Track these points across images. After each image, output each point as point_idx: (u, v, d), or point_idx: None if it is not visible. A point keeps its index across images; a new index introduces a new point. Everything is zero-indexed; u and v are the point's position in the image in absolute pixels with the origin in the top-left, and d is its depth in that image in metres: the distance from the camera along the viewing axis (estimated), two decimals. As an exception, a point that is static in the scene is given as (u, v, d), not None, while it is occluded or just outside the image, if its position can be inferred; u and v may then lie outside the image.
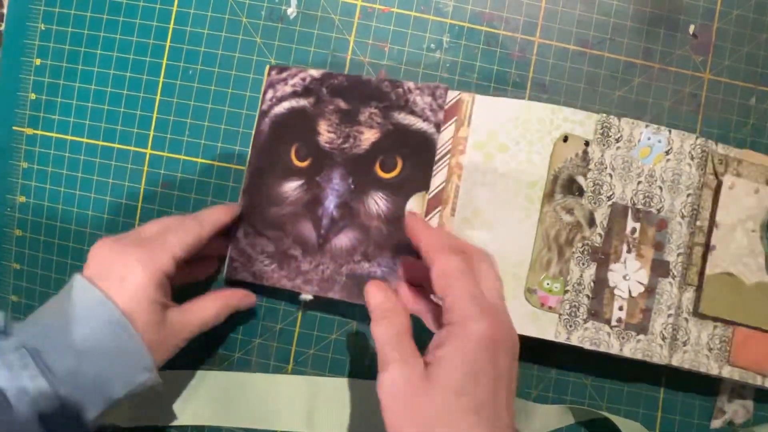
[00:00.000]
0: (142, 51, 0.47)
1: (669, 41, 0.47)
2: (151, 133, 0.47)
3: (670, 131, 0.44)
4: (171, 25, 0.47)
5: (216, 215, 0.41)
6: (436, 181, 0.44)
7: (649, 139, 0.44)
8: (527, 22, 0.47)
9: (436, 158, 0.44)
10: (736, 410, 0.46)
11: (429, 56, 0.47)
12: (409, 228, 0.36)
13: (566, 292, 0.42)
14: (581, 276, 0.43)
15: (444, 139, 0.44)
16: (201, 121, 0.47)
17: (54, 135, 0.48)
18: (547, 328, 0.42)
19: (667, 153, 0.44)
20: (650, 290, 0.43)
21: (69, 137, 0.47)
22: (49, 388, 0.32)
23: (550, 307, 0.42)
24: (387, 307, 0.34)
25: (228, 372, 0.46)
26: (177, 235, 0.38)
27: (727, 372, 0.43)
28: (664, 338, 0.42)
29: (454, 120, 0.44)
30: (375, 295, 0.35)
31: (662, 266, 0.43)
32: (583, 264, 0.43)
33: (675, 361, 0.43)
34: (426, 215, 0.43)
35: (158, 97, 0.47)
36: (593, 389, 0.46)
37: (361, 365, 0.46)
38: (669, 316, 0.43)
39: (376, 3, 0.47)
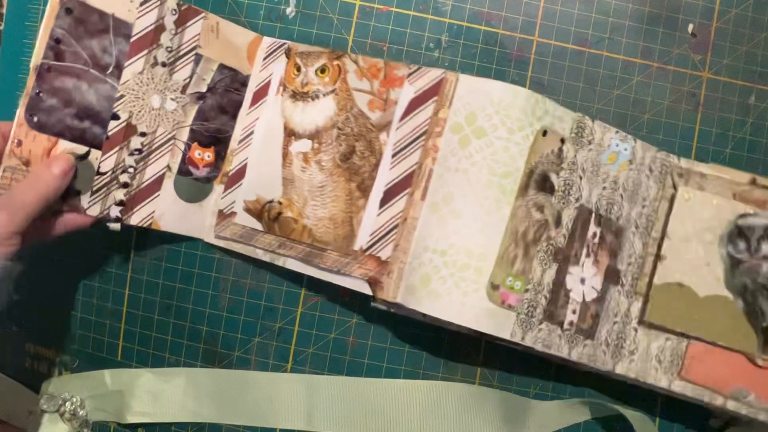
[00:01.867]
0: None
1: (668, 40, 0.47)
2: (151, 132, 0.47)
3: (635, 141, 0.43)
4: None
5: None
6: (408, 162, 0.42)
7: (617, 145, 0.43)
8: (526, 21, 0.47)
9: (412, 139, 0.42)
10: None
11: (428, 55, 0.47)
12: None
13: (527, 291, 0.41)
14: (542, 276, 0.41)
15: (420, 120, 0.42)
16: (200, 121, 0.47)
17: (54, 134, 0.48)
18: (504, 326, 0.40)
19: (631, 162, 0.43)
20: (601, 296, 0.42)
21: (69, 137, 0.48)
22: None
23: (510, 305, 0.40)
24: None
25: (228, 370, 0.46)
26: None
27: (677, 386, 0.42)
28: (608, 345, 0.42)
29: (433, 100, 0.42)
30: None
31: (614, 274, 0.43)
32: (545, 264, 0.41)
33: (619, 369, 0.43)
34: (392, 196, 0.42)
35: (157, 97, 0.47)
36: (592, 389, 0.46)
37: (360, 364, 0.46)
38: (615, 323, 0.43)
39: (375, 2, 0.47)
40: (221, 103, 0.45)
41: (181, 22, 0.43)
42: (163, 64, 0.43)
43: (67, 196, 0.40)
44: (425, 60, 0.47)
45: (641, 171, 0.43)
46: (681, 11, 0.47)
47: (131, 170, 0.43)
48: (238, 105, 0.46)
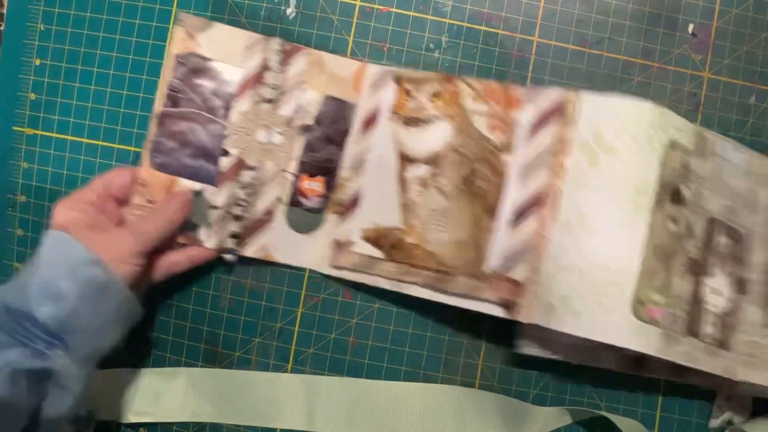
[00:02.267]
0: (142, 51, 0.47)
1: (668, 40, 0.47)
2: (151, 133, 0.47)
3: (749, 150, 0.44)
4: (170, 26, 0.47)
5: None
6: (536, 183, 0.41)
7: (733, 154, 0.43)
8: (526, 22, 0.47)
9: (537, 159, 0.42)
10: (735, 409, 0.46)
11: (428, 56, 0.47)
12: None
13: (669, 304, 0.41)
14: (681, 289, 0.41)
15: (546, 140, 0.42)
16: (200, 121, 0.47)
17: (54, 135, 0.48)
18: (649, 341, 0.40)
19: (747, 172, 0.44)
20: (734, 307, 0.42)
21: (69, 137, 0.48)
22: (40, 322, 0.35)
23: (655, 320, 0.40)
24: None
25: (229, 370, 0.46)
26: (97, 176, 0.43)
27: None
28: (743, 355, 0.42)
29: (556, 120, 0.41)
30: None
31: (743, 283, 0.43)
32: (683, 277, 0.41)
33: (754, 379, 0.42)
34: (522, 217, 0.41)
35: (158, 97, 0.47)
36: (592, 388, 0.46)
37: (360, 364, 0.46)
38: (747, 333, 0.42)
39: (375, 3, 0.47)
40: (328, 134, 0.45)
41: (285, 60, 0.45)
42: (269, 101, 0.45)
43: (187, 230, 0.44)
44: (425, 60, 0.47)
45: (757, 180, 0.44)
46: (681, 11, 0.47)
47: (243, 203, 0.45)
48: (345, 134, 0.46)
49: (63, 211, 0.40)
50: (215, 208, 0.45)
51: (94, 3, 0.48)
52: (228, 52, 0.45)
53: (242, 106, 0.45)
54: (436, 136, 0.44)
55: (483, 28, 0.47)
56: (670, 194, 0.41)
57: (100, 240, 0.38)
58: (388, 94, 0.45)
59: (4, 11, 0.48)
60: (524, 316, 0.40)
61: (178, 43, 0.45)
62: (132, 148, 0.47)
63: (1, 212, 0.48)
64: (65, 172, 0.48)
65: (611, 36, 0.47)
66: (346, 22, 0.47)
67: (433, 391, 0.46)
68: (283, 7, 0.47)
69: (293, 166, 0.45)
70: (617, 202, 0.40)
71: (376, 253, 0.44)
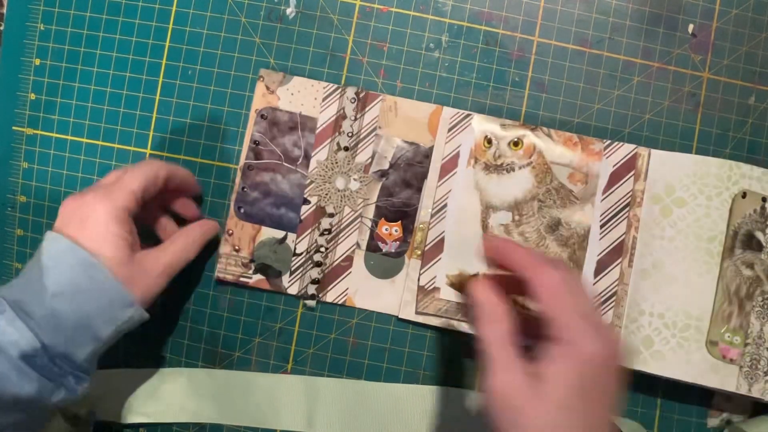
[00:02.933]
0: (142, 51, 0.47)
1: (668, 40, 0.47)
2: (151, 133, 0.47)
3: None
4: (170, 25, 0.47)
5: (174, 166, 0.43)
6: (617, 233, 0.45)
7: None
8: (526, 21, 0.47)
9: (616, 211, 0.45)
10: (734, 408, 0.46)
11: (428, 56, 0.47)
12: (493, 248, 0.35)
13: (747, 344, 0.44)
14: (761, 329, 0.44)
15: (623, 192, 0.45)
16: (200, 121, 0.47)
17: (54, 135, 0.48)
18: (728, 379, 0.43)
19: None
20: None
21: (69, 137, 0.48)
22: (28, 330, 0.34)
23: (731, 360, 0.43)
24: (498, 310, 0.33)
25: (229, 371, 0.46)
26: (132, 173, 0.39)
27: None
28: None
29: (632, 173, 0.45)
30: (487, 295, 0.34)
31: None
32: (764, 318, 0.44)
33: None
34: (605, 266, 0.45)
35: (158, 97, 0.47)
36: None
37: (360, 364, 0.46)
38: None
39: (375, 2, 0.47)
40: (405, 178, 0.46)
41: (360, 108, 0.46)
42: (346, 149, 0.46)
43: (271, 276, 0.46)
44: (425, 60, 0.47)
45: None
46: (681, 11, 0.47)
47: (323, 250, 0.46)
48: (422, 177, 0.46)
49: (109, 218, 0.37)
50: (297, 255, 0.46)
51: (94, 3, 0.48)
52: (306, 104, 0.46)
53: (320, 155, 0.46)
54: (517, 184, 0.46)
55: (483, 27, 0.47)
56: (743, 241, 0.44)
57: (135, 272, 0.37)
58: (467, 139, 0.46)
59: (4, 11, 0.48)
60: None
61: (258, 98, 0.46)
62: (132, 148, 0.47)
63: (1, 212, 0.48)
64: (65, 172, 0.48)
65: (611, 36, 0.47)
66: (346, 22, 0.47)
67: (434, 393, 0.46)
68: (283, 7, 0.47)
69: (371, 212, 0.46)
70: (691, 251, 0.44)
71: (462, 298, 0.45)
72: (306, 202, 0.46)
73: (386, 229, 0.46)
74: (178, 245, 0.41)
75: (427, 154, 0.46)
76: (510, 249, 0.34)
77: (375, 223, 0.46)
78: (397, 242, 0.46)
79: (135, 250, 0.38)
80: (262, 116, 0.46)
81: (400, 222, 0.46)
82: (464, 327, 0.46)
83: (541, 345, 0.31)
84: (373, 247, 0.46)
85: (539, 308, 0.32)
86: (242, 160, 0.46)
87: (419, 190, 0.46)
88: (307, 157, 0.46)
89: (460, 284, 0.45)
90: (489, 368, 0.31)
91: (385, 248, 0.46)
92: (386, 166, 0.46)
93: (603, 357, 0.30)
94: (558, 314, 0.31)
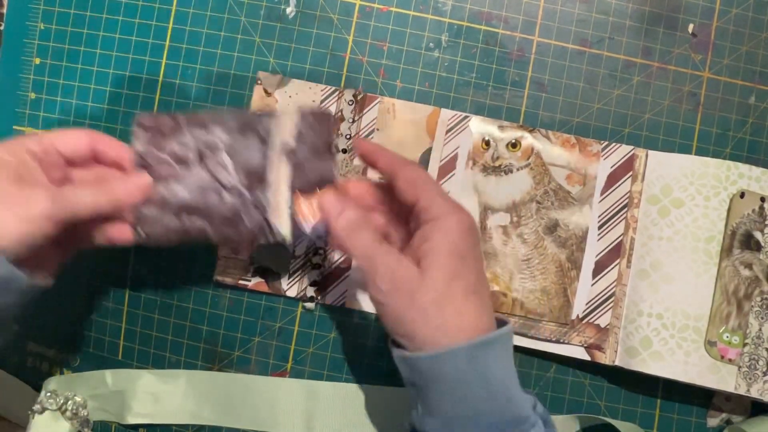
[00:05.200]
0: (142, 50, 0.47)
1: (668, 40, 0.47)
2: (151, 132, 0.47)
3: None
4: (170, 25, 0.47)
5: (111, 138, 0.39)
6: (615, 233, 0.45)
7: None
8: (526, 21, 0.47)
9: (614, 212, 0.45)
10: (733, 408, 0.46)
11: (428, 55, 0.47)
12: (365, 151, 0.38)
13: (745, 345, 0.44)
14: (760, 329, 0.44)
15: (621, 193, 0.46)
16: (200, 121, 0.47)
17: (54, 134, 0.48)
18: (726, 379, 0.43)
19: None
20: None
21: (69, 136, 0.48)
22: None
23: (729, 360, 0.43)
24: (352, 215, 0.35)
25: (229, 374, 0.46)
26: (55, 130, 0.38)
27: None
28: None
29: (629, 175, 0.46)
30: (334, 204, 0.36)
31: None
32: (762, 318, 0.44)
33: None
34: (604, 267, 0.45)
35: (158, 96, 0.47)
36: (591, 388, 0.46)
37: (360, 364, 0.46)
38: None
39: (375, 2, 0.47)
40: (314, 148, 0.39)
41: (358, 110, 0.46)
42: (344, 151, 0.45)
43: (271, 279, 0.45)
44: (425, 60, 0.47)
45: None
46: (681, 11, 0.47)
47: (322, 252, 0.46)
48: (331, 141, 0.39)
49: (2, 149, 0.35)
50: (296, 257, 0.46)
51: (94, 2, 0.48)
52: (304, 106, 0.45)
53: None
54: (515, 186, 0.46)
55: (483, 27, 0.47)
56: (742, 241, 0.44)
57: (12, 193, 0.34)
58: (466, 141, 0.46)
59: (4, 11, 0.48)
60: (605, 359, 0.45)
61: (256, 101, 0.46)
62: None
63: (1, 211, 0.48)
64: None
65: (611, 36, 0.47)
66: (345, 22, 0.47)
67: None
68: (282, 6, 0.47)
69: (284, 197, 0.43)
70: (689, 251, 0.44)
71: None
72: None
73: (306, 208, 0.38)
74: (85, 187, 0.36)
75: (329, 116, 0.39)
76: (378, 151, 0.38)
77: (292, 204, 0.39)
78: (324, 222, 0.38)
79: (35, 176, 0.36)
80: (140, 125, 0.39)
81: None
82: None
83: (413, 233, 0.35)
84: (297, 232, 0.38)
85: (405, 198, 0.35)
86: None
87: (333, 156, 0.39)
88: (201, 154, 0.39)
89: None
90: (371, 267, 0.33)
91: (308, 228, 0.38)
92: (291, 141, 0.38)
93: (467, 224, 0.34)
94: (425, 198, 0.35)
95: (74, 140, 0.38)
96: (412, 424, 0.35)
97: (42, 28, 0.48)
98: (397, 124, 0.46)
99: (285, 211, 0.38)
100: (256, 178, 0.39)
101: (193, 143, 0.39)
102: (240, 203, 0.39)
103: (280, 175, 0.39)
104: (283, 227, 0.38)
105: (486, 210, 0.46)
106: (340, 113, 0.46)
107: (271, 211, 0.39)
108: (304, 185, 0.38)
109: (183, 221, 0.39)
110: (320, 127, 0.39)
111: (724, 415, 0.46)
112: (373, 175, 0.46)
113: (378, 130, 0.46)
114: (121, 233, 0.38)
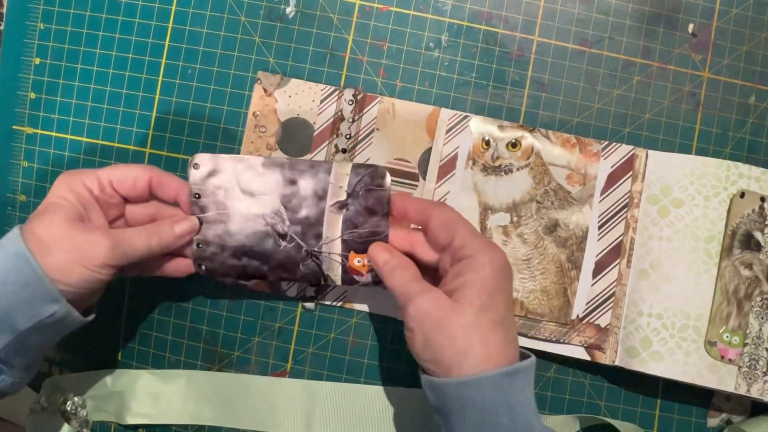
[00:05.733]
0: (141, 50, 0.47)
1: (668, 40, 0.47)
2: (150, 132, 0.47)
3: None
4: (170, 24, 0.47)
5: (169, 176, 0.41)
6: (615, 233, 0.45)
7: None
8: (526, 21, 0.47)
9: (614, 212, 0.45)
10: (733, 408, 0.46)
11: (428, 55, 0.47)
12: (397, 201, 0.41)
13: (746, 345, 0.44)
14: (760, 329, 0.44)
15: (621, 193, 0.45)
16: (200, 121, 0.47)
17: (54, 134, 0.48)
18: (726, 379, 0.43)
19: None
20: None
21: (69, 136, 0.48)
22: None
23: (729, 360, 0.43)
24: (396, 261, 0.39)
25: (229, 374, 0.46)
26: (116, 165, 0.40)
27: None
28: None
29: (629, 175, 0.45)
30: (381, 254, 0.40)
31: None
32: (763, 318, 0.44)
33: None
34: (604, 267, 0.45)
35: (157, 96, 0.47)
36: (591, 388, 0.46)
37: (360, 364, 0.46)
38: None
39: (375, 2, 0.47)
40: (366, 205, 0.41)
41: (358, 110, 0.46)
42: (344, 151, 0.45)
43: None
44: (425, 59, 0.47)
45: None
46: (681, 11, 0.47)
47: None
48: (385, 201, 0.41)
49: (62, 187, 0.37)
50: None
51: (94, 2, 0.48)
52: (304, 106, 0.46)
53: (319, 157, 0.46)
54: (515, 186, 0.46)
55: (483, 27, 0.47)
56: (742, 241, 0.44)
57: (73, 237, 0.35)
58: (466, 140, 0.46)
59: (4, 10, 0.48)
60: (605, 359, 0.44)
61: (256, 100, 0.46)
62: (131, 147, 0.47)
63: (1, 211, 0.48)
64: (65, 171, 0.48)
65: (611, 35, 0.47)
66: (345, 21, 0.47)
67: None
68: (282, 6, 0.47)
69: (337, 247, 0.43)
70: (689, 251, 0.44)
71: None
72: None
73: (358, 262, 0.42)
74: (139, 231, 0.38)
75: (383, 175, 0.41)
76: (408, 201, 0.41)
77: (345, 257, 0.42)
78: (372, 272, 0.41)
79: (84, 223, 0.37)
80: (195, 165, 0.41)
81: None
82: None
83: (446, 274, 0.37)
84: (348, 280, 0.42)
85: (439, 239, 0.38)
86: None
87: (386, 215, 0.41)
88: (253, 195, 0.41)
89: None
90: (407, 299, 0.36)
91: (362, 280, 0.42)
92: (343, 196, 0.41)
93: (499, 262, 0.36)
94: (459, 238, 0.37)
95: (133, 179, 0.39)
96: None
97: (42, 28, 0.48)
98: (397, 123, 0.46)
99: (338, 265, 0.42)
100: (309, 228, 0.42)
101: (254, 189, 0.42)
102: (295, 251, 0.42)
103: (333, 229, 0.42)
104: (337, 278, 0.42)
105: (486, 210, 0.46)
106: (340, 113, 0.46)
107: (326, 263, 0.42)
108: (356, 240, 0.42)
109: (242, 261, 0.42)
110: (372, 183, 0.41)
111: (724, 415, 0.46)
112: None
113: (378, 129, 0.46)
114: (178, 267, 0.42)
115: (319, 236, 0.42)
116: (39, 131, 0.48)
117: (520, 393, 0.34)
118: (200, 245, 0.41)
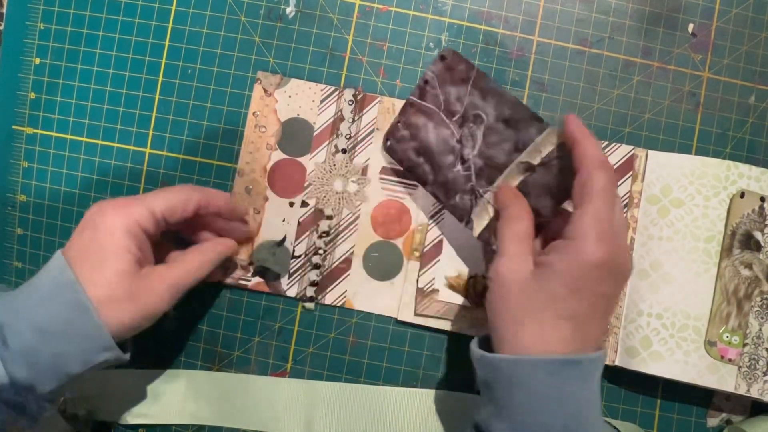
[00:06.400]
0: (142, 50, 0.47)
1: (668, 40, 0.47)
2: (151, 132, 0.47)
3: None
4: (170, 25, 0.47)
5: (213, 192, 0.41)
6: None
7: None
8: (526, 21, 0.47)
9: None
10: (733, 408, 0.46)
11: (428, 55, 0.47)
12: (571, 129, 0.37)
13: (745, 345, 0.44)
14: (760, 329, 0.44)
15: (621, 192, 0.46)
16: (200, 120, 0.47)
17: (54, 134, 0.48)
18: (726, 379, 0.43)
19: None
20: None
21: (68, 136, 0.48)
22: (1, 364, 0.33)
23: (729, 360, 0.43)
24: (516, 210, 0.37)
25: (228, 374, 0.46)
26: (161, 192, 0.39)
27: None
28: None
29: (629, 175, 0.46)
30: (509, 197, 0.38)
31: None
32: (762, 318, 0.44)
33: None
34: None
35: (157, 96, 0.47)
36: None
37: (360, 364, 0.46)
38: None
39: (375, 2, 0.47)
40: (548, 184, 0.40)
41: (358, 110, 0.46)
42: (344, 151, 0.46)
43: (270, 279, 0.45)
44: (425, 60, 0.47)
45: None
46: (681, 11, 0.47)
47: (321, 252, 0.46)
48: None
49: (118, 232, 0.36)
50: (296, 257, 0.46)
51: (94, 2, 0.48)
52: (304, 106, 0.46)
53: (318, 157, 0.46)
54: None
55: (483, 27, 0.47)
56: (742, 241, 0.44)
57: (138, 294, 0.36)
58: None
59: (4, 10, 0.48)
60: (608, 359, 0.44)
61: (256, 101, 0.46)
62: (131, 147, 0.47)
63: (1, 211, 0.48)
64: (65, 171, 0.48)
65: (611, 35, 0.47)
66: (345, 21, 0.47)
67: (434, 396, 0.46)
68: (282, 6, 0.47)
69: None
70: (689, 251, 0.44)
71: (461, 300, 0.45)
72: (304, 204, 0.46)
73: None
74: (188, 262, 0.40)
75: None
76: (578, 133, 0.36)
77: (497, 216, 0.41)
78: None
79: (143, 266, 0.37)
80: (441, 57, 0.43)
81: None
82: (465, 329, 0.45)
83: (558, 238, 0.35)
84: (485, 237, 0.42)
85: (574, 201, 0.35)
86: (241, 164, 0.46)
87: (557, 204, 0.40)
88: (465, 117, 0.42)
89: (460, 286, 0.45)
90: (498, 255, 0.36)
91: (495, 246, 0.40)
92: (536, 161, 0.40)
93: (600, 262, 0.33)
94: (578, 210, 0.34)
95: (183, 206, 0.39)
96: (477, 423, 0.35)
97: (42, 28, 0.48)
98: None
99: (488, 217, 0.41)
100: (487, 170, 0.41)
101: (467, 103, 0.42)
102: (463, 180, 0.42)
103: (508, 184, 0.41)
104: (479, 228, 0.42)
105: None
106: (339, 113, 0.46)
107: (479, 207, 0.42)
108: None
109: (419, 159, 0.43)
110: (568, 167, 0.38)
111: (724, 415, 0.46)
112: (372, 175, 0.46)
113: (378, 129, 0.46)
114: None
115: (492, 181, 0.41)
116: (39, 131, 0.48)
117: (575, 384, 0.32)
118: (399, 123, 0.44)
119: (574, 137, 0.36)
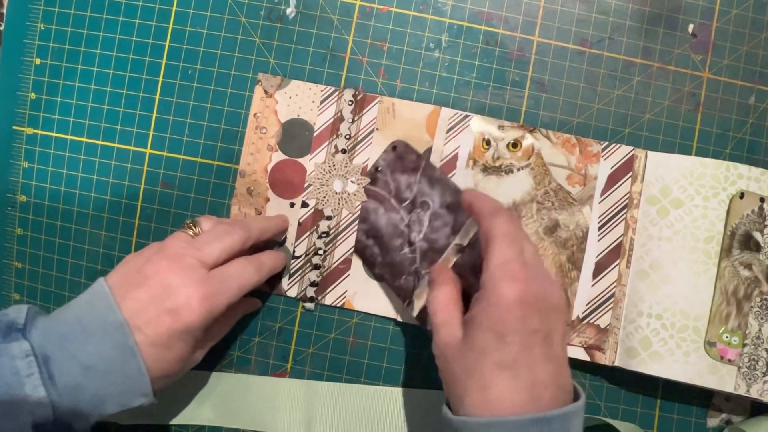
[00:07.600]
0: (142, 50, 0.47)
1: (668, 40, 0.47)
2: (151, 132, 0.47)
3: None
4: (170, 25, 0.47)
5: (274, 261, 0.43)
6: (615, 234, 0.45)
7: None
8: (526, 21, 0.47)
9: (614, 212, 0.45)
10: (733, 408, 0.46)
11: (428, 55, 0.47)
12: (464, 197, 0.39)
13: (745, 345, 0.44)
14: (760, 330, 0.44)
15: (621, 194, 0.45)
16: (200, 121, 0.47)
17: (54, 134, 0.48)
18: (726, 380, 0.43)
19: None
20: None
21: (69, 137, 0.48)
22: (47, 399, 0.33)
23: (729, 360, 0.43)
24: (441, 278, 0.38)
25: (228, 374, 0.46)
26: (241, 277, 0.38)
27: None
28: None
29: (629, 175, 0.46)
30: (436, 271, 0.39)
31: None
32: (762, 318, 0.44)
33: None
34: (604, 268, 0.45)
35: (158, 97, 0.47)
36: (591, 389, 0.46)
37: (360, 364, 0.46)
38: None
39: (375, 2, 0.47)
40: (475, 263, 0.41)
41: (358, 110, 0.46)
42: (343, 151, 0.46)
43: (272, 280, 0.46)
44: (425, 60, 0.47)
45: None
46: (681, 11, 0.47)
47: (321, 252, 0.46)
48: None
49: (205, 314, 0.36)
50: (296, 257, 0.46)
51: (94, 2, 0.48)
52: (304, 107, 0.46)
53: (318, 158, 0.46)
54: (516, 186, 0.46)
55: (483, 27, 0.47)
56: (741, 241, 0.44)
57: (190, 358, 0.38)
58: (466, 140, 0.46)
59: (4, 11, 0.48)
60: (605, 359, 0.45)
61: (257, 102, 0.47)
62: (132, 148, 0.47)
63: (1, 211, 0.48)
64: (65, 171, 0.48)
65: (611, 36, 0.47)
66: (345, 22, 0.47)
67: (434, 396, 0.46)
68: (283, 7, 0.47)
69: None
70: (689, 252, 0.44)
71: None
72: (304, 204, 0.46)
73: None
74: (222, 326, 0.42)
75: (426, 155, 0.44)
76: (471, 196, 0.38)
77: None
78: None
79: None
80: (393, 147, 0.45)
81: None
82: None
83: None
84: (421, 318, 0.44)
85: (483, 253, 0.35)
86: (243, 165, 0.46)
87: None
88: (414, 203, 0.45)
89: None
90: (434, 328, 0.36)
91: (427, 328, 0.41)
92: (465, 242, 0.43)
93: (514, 297, 0.32)
94: (485, 259, 0.34)
95: (240, 248, 0.40)
96: None
97: (42, 28, 0.48)
98: (397, 123, 0.46)
99: (425, 299, 0.43)
100: (430, 253, 0.44)
101: (416, 191, 0.45)
102: (408, 263, 0.44)
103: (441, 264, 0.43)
104: (416, 309, 0.44)
105: None
106: (339, 113, 0.46)
107: (420, 290, 0.44)
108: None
109: (368, 241, 0.45)
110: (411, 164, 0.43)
111: (724, 415, 0.46)
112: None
113: (378, 129, 0.46)
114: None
115: (432, 263, 0.43)
116: (39, 132, 0.48)
117: None
118: (363, 205, 0.46)
119: (467, 202, 0.38)
